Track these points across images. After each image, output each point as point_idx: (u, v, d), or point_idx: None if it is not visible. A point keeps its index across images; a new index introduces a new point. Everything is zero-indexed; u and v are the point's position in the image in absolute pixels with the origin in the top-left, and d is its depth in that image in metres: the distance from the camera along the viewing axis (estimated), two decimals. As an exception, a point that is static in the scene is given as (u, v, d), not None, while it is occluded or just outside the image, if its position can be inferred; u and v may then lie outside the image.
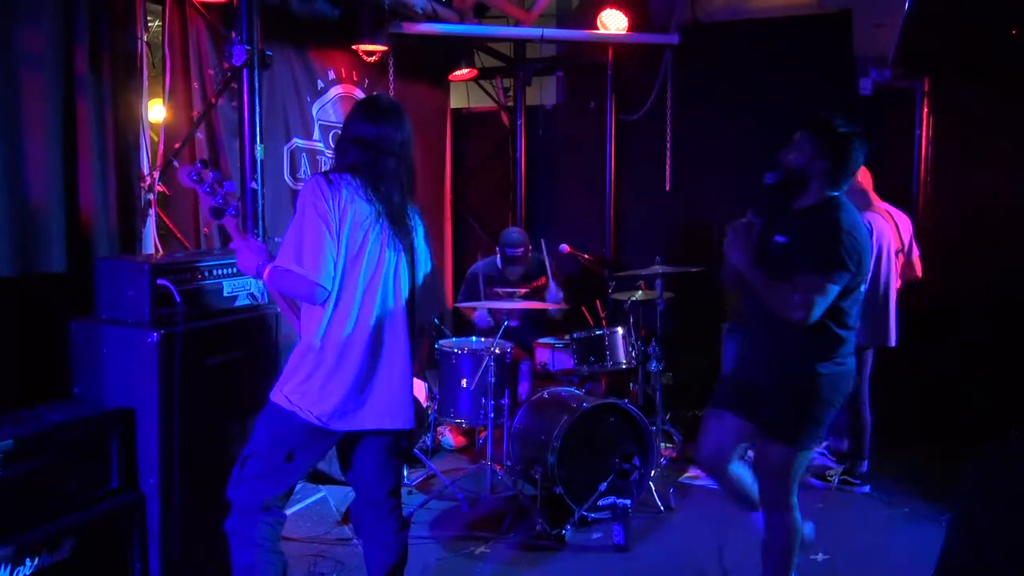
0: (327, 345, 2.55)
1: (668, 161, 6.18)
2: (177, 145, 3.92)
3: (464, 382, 4.51)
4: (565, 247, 5.59)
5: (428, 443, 5.12)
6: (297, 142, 4.72)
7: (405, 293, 2.68)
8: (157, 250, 3.90)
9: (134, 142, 3.78)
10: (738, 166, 6.00)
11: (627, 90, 6.35)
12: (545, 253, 5.32)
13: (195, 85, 4.04)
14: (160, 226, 3.96)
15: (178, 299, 3.07)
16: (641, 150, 6.36)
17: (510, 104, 6.79)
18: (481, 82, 6.77)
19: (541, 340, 5.09)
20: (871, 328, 4.35)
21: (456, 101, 6.83)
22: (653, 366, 4.88)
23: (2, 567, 2.55)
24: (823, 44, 5.57)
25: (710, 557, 3.80)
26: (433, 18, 5.31)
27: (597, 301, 5.62)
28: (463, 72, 6.16)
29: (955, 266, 5.18)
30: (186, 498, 3.14)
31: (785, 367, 2.93)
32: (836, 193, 2.92)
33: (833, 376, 2.89)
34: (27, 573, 2.63)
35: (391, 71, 5.31)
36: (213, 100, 3.99)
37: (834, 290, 2.77)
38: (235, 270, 3.24)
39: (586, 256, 5.78)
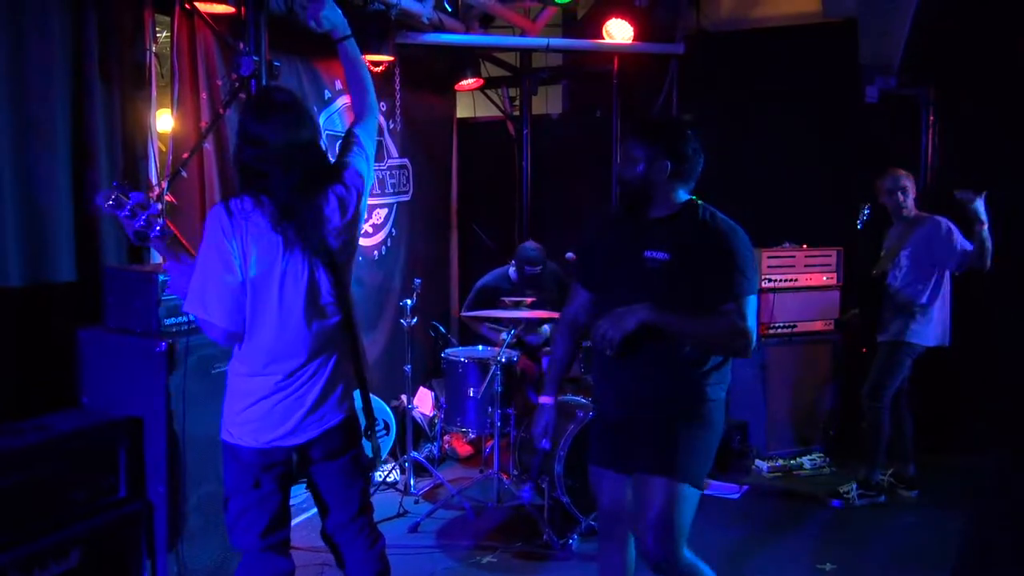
0: (250, 376, 2.48)
1: (674, 170, 6.17)
2: (185, 155, 3.93)
3: (471, 391, 4.51)
4: (572, 256, 5.58)
5: (435, 452, 5.11)
6: (304, 152, 4.73)
7: (325, 294, 2.49)
8: (165, 260, 3.91)
9: (142, 152, 3.80)
10: (743, 175, 6.01)
11: (633, 99, 6.36)
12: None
13: (203, 95, 4.06)
14: (169, 234, 3.97)
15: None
16: (647, 159, 6.35)
17: (516, 113, 6.81)
18: (487, 92, 6.78)
19: (548, 348, 5.09)
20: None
21: (462, 111, 6.85)
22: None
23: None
24: (828, 53, 5.58)
25: (716, 564, 3.78)
26: (439, 28, 5.33)
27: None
28: (469, 82, 6.18)
29: (964, 275, 5.16)
30: (194, 506, 3.15)
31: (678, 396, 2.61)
32: (690, 196, 2.68)
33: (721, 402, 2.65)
34: (35, 582, 2.64)
35: (397, 81, 5.34)
36: (221, 110, 4.01)
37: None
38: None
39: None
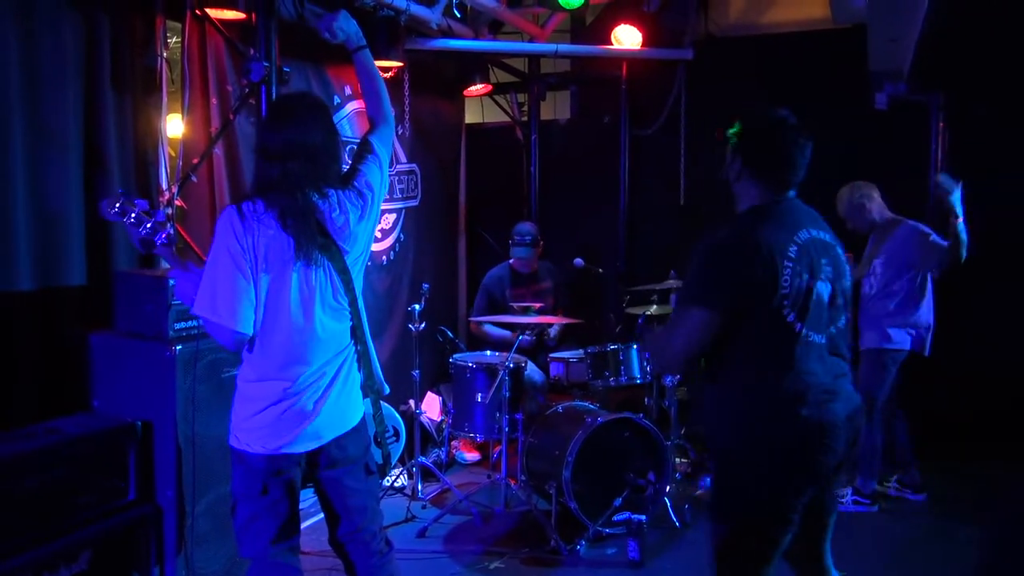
0: (260, 381, 2.46)
1: (682, 175, 6.19)
2: (195, 160, 3.96)
3: (479, 396, 4.51)
4: (579, 261, 5.60)
5: (442, 457, 5.12)
6: (313, 157, 4.75)
7: (337, 303, 2.49)
8: (171, 267, 3.93)
9: (153, 157, 3.83)
10: (752, 180, 6.00)
11: (641, 105, 6.37)
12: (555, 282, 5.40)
13: (213, 101, 4.08)
14: (178, 240, 3.99)
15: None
16: (655, 164, 6.37)
17: (524, 119, 6.82)
18: (496, 97, 6.80)
19: (555, 354, 5.10)
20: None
21: (471, 116, 6.86)
22: (668, 381, 4.86)
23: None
24: (837, 59, 5.57)
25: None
26: (448, 34, 5.34)
27: (611, 315, 5.62)
28: (478, 87, 6.19)
29: (971, 280, 5.14)
30: (203, 511, 3.16)
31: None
32: (762, 203, 2.41)
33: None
34: (45, 585, 2.65)
35: (406, 86, 5.35)
36: (231, 116, 4.03)
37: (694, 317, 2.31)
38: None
39: (600, 270, 5.79)
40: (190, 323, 3.14)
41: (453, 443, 5.37)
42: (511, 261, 5.58)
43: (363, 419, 2.60)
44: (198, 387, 3.08)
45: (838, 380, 2.37)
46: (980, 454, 5.16)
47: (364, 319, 2.58)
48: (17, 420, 3.06)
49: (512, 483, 4.39)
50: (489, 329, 5.47)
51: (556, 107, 7.23)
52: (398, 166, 5.61)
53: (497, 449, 4.81)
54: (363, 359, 2.58)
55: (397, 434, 4.92)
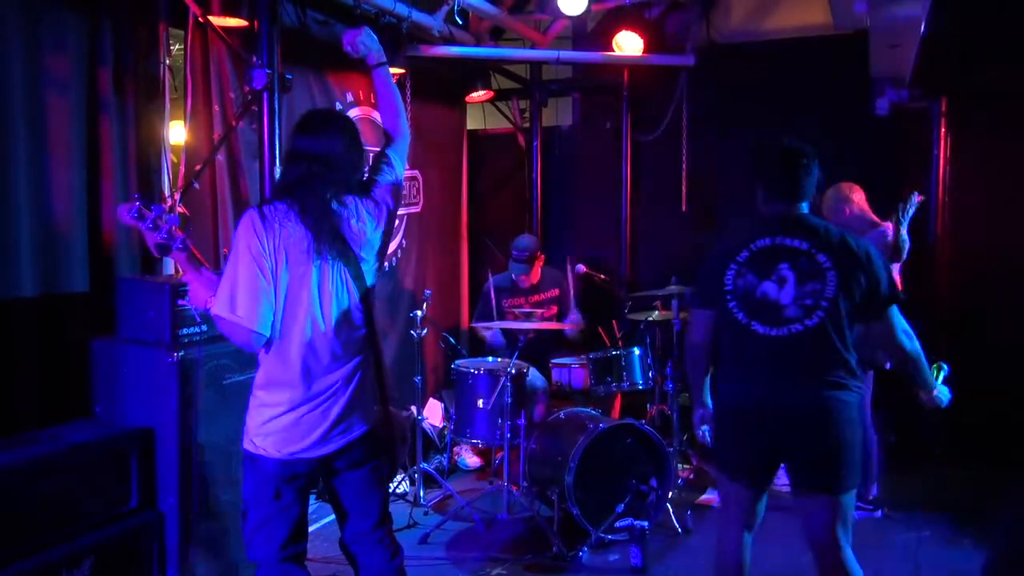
0: (278, 387, 2.49)
1: (684, 182, 6.19)
2: (198, 167, 3.96)
3: (480, 402, 4.50)
4: (581, 267, 5.60)
5: (444, 463, 5.11)
6: (315, 163, 4.76)
7: (353, 306, 2.54)
8: (177, 271, 3.94)
9: (156, 164, 3.84)
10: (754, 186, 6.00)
11: (643, 111, 6.38)
12: (569, 272, 5.37)
13: (216, 108, 4.09)
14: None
15: (198, 319, 3.11)
16: (657, 171, 6.37)
17: (526, 125, 6.82)
18: (497, 104, 6.81)
19: (557, 360, 5.09)
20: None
21: (472, 122, 6.87)
22: (670, 387, 4.87)
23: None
24: (839, 65, 5.58)
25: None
26: (450, 41, 5.36)
27: (613, 321, 5.62)
28: (480, 94, 6.20)
29: (974, 287, 5.15)
30: (205, 517, 3.15)
31: None
32: (755, 214, 2.90)
33: None
34: (47, 592, 2.65)
35: (408, 93, 5.36)
36: (234, 123, 4.04)
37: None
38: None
39: (602, 276, 5.79)
40: (192, 329, 3.15)
41: (455, 449, 5.36)
42: (511, 273, 5.56)
43: (376, 423, 2.62)
44: (200, 393, 3.08)
45: (787, 371, 2.71)
46: (987, 461, 5.15)
47: (376, 326, 2.62)
48: (19, 426, 3.06)
49: (514, 489, 4.39)
50: (487, 335, 5.46)
51: (558, 113, 7.24)
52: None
53: (499, 455, 4.81)
54: (376, 365, 2.61)
55: (404, 439, 4.91)
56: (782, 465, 2.84)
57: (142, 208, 2.41)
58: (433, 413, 5.47)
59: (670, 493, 4.34)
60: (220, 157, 4.13)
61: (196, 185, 3.96)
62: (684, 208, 6.21)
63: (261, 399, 2.52)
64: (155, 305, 3.11)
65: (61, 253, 3.39)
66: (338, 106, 4.94)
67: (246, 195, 4.16)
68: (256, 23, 3.87)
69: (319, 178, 2.48)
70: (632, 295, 5.51)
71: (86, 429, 3.02)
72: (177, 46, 4.10)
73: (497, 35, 6.08)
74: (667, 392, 4.91)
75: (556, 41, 6.18)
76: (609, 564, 3.99)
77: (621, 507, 4.08)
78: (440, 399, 5.63)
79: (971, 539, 4.22)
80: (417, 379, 4.69)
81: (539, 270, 5.45)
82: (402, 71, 5.06)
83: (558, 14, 5.20)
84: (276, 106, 3.86)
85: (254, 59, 3.85)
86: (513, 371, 4.39)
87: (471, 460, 5.42)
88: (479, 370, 4.55)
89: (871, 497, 4.52)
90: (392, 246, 5.54)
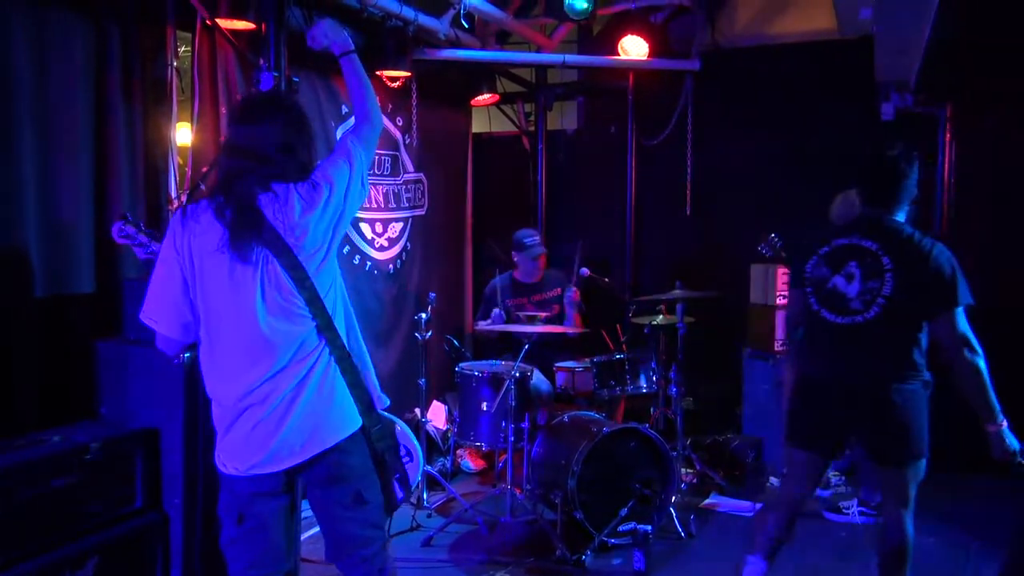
0: (215, 395, 2.36)
1: (688, 186, 6.20)
2: (204, 169, 3.97)
3: (484, 405, 4.51)
4: (585, 271, 5.61)
5: (448, 466, 5.12)
6: (321, 166, 4.77)
7: (287, 302, 2.30)
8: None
9: (163, 166, 3.85)
10: (759, 191, 6.01)
11: (648, 115, 6.38)
12: (576, 262, 5.42)
13: (223, 110, 4.10)
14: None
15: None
16: (661, 175, 6.38)
17: (531, 129, 6.84)
18: (503, 107, 6.83)
19: (561, 363, 5.10)
20: None
21: (478, 126, 6.88)
22: (673, 391, 4.87)
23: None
24: (844, 70, 5.58)
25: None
26: (456, 44, 5.37)
27: (617, 325, 5.62)
28: (485, 97, 6.21)
29: (979, 291, 5.13)
30: (209, 519, 3.16)
31: None
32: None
33: None
34: (52, 591, 2.66)
35: (414, 96, 5.38)
36: (240, 125, 4.05)
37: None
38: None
39: (606, 280, 5.80)
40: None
41: (458, 452, 5.37)
42: (513, 272, 5.58)
43: (354, 438, 2.38)
44: (206, 394, 3.09)
45: (849, 356, 3.06)
46: (993, 468, 5.12)
47: (341, 321, 2.40)
48: (24, 427, 3.07)
49: (518, 492, 4.39)
50: (491, 327, 5.46)
51: (563, 117, 7.25)
52: (405, 175, 5.63)
53: (503, 458, 4.81)
54: (344, 365, 2.37)
55: (411, 454, 4.41)
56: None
57: (124, 227, 2.51)
58: (437, 416, 5.48)
59: (673, 497, 4.34)
60: (226, 159, 4.14)
61: (203, 187, 3.97)
62: (689, 212, 6.22)
63: (213, 413, 2.39)
64: (161, 306, 3.12)
65: (68, 255, 3.40)
66: (343, 109, 4.96)
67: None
68: (263, 26, 3.88)
69: (249, 172, 2.31)
70: (636, 299, 5.52)
71: (91, 430, 3.03)
72: (184, 48, 4.11)
73: (503, 39, 6.09)
74: (671, 396, 4.91)
75: (561, 45, 6.19)
76: (612, 568, 3.99)
77: (624, 511, 4.08)
78: (444, 401, 5.64)
79: (979, 547, 4.21)
80: (421, 381, 4.70)
81: (542, 268, 5.47)
82: (408, 74, 5.08)
83: (563, 18, 5.21)
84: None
85: (261, 62, 3.86)
86: (517, 374, 4.39)
87: (474, 463, 5.43)
88: (483, 373, 4.56)
89: (875, 504, 4.52)
90: (396, 249, 5.55)
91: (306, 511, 2.78)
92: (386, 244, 5.44)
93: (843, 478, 5.10)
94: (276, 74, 3.81)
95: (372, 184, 5.18)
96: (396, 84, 5.16)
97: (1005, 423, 2.93)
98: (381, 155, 5.35)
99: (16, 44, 3.18)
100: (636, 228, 6.48)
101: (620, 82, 6.38)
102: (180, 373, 3.04)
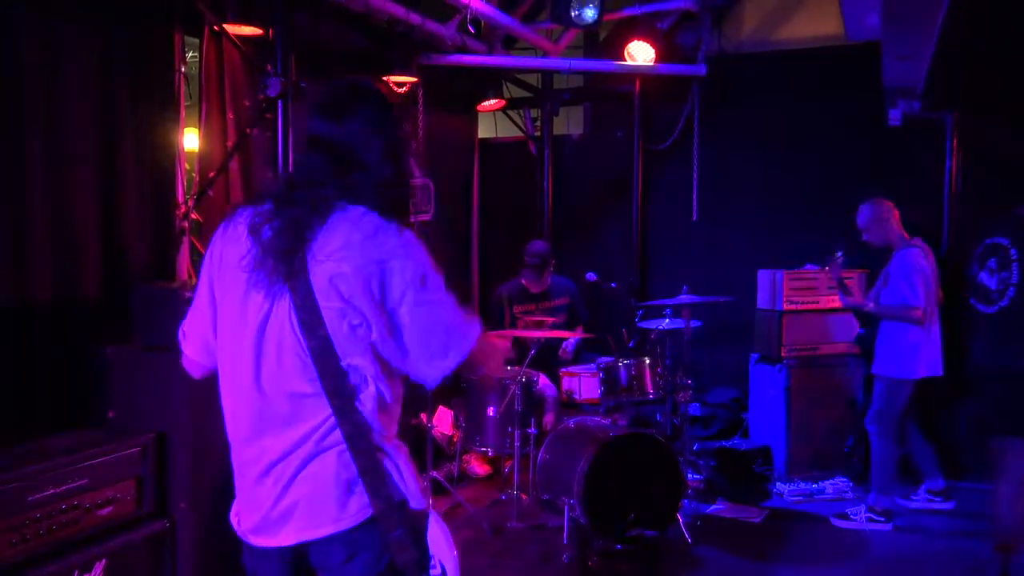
0: (229, 435, 1.89)
1: (695, 191, 6.20)
2: (212, 174, 3.99)
3: (490, 410, 4.50)
4: (592, 275, 5.60)
5: (454, 472, 5.11)
6: (328, 171, 4.77)
7: (296, 358, 1.73)
8: (191, 277, 3.96)
9: (170, 171, 3.87)
10: (765, 196, 6.01)
11: (654, 120, 6.39)
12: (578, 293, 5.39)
13: (230, 115, 4.12)
14: (194, 253, 4.02)
15: (212, 325, 3.11)
16: (668, 180, 6.38)
17: (537, 134, 6.84)
18: (509, 112, 6.84)
19: (568, 369, 5.09)
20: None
21: (484, 131, 6.90)
22: (680, 396, 4.86)
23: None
24: (851, 75, 5.58)
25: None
26: (462, 50, 5.38)
27: (624, 330, 5.61)
28: (491, 102, 6.22)
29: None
30: (217, 523, 3.16)
31: None
32: None
33: None
34: (60, 596, 2.66)
35: (421, 101, 5.39)
36: (248, 130, 4.07)
37: None
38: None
39: (613, 285, 5.79)
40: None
41: (465, 457, 5.36)
42: (522, 279, 5.59)
43: (360, 531, 1.76)
44: (214, 399, 3.08)
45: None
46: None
47: (352, 390, 1.74)
48: (33, 431, 3.07)
49: (524, 498, 4.38)
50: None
51: (569, 122, 7.26)
52: (411, 180, 5.62)
53: (509, 464, 4.80)
54: (357, 446, 1.74)
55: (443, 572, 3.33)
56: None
57: None
58: (443, 421, 5.47)
59: (680, 503, 4.32)
60: (234, 164, 4.15)
61: (210, 192, 3.98)
62: (695, 217, 6.22)
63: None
64: (169, 311, 3.12)
65: (76, 259, 3.41)
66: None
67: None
68: (271, 32, 3.90)
69: (304, 173, 1.82)
70: (642, 304, 5.51)
71: (99, 434, 3.04)
72: (192, 54, 4.13)
73: (509, 44, 6.10)
74: (678, 402, 4.90)
75: (568, 50, 6.20)
76: (619, 573, 3.97)
77: (632, 516, 4.07)
78: (450, 407, 5.63)
79: (983, 552, 4.19)
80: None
81: (549, 277, 5.47)
82: (414, 80, 5.09)
83: (570, 23, 5.22)
84: (290, 114, 3.89)
85: (268, 67, 3.88)
86: (523, 380, 4.39)
87: (480, 469, 5.42)
88: (489, 379, 4.55)
89: (880, 509, 4.50)
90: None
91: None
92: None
93: (850, 484, 5.09)
94: (283, 79, 3.83)
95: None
96: (403, 89, 5.17)
97: None
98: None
99: (26, 50, 3.20)
100: (643, 233, 6.48)
101: (626, 87, 6.38)
102: (188, 378, 3.04)
